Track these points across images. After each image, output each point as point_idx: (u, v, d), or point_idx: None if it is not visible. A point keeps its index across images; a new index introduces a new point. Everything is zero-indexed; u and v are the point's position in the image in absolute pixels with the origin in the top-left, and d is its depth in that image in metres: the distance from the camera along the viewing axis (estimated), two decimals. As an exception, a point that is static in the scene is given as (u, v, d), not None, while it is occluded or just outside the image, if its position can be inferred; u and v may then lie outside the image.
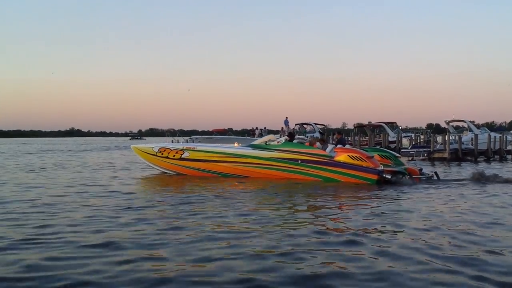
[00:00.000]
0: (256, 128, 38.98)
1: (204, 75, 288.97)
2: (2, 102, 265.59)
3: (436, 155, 25.29)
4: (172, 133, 61.97)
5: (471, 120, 37.54)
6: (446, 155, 24.88)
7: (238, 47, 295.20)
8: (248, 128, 39.44)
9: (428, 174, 13.70)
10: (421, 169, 14.13)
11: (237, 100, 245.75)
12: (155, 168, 15.63)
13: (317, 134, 36.83)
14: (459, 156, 25.29)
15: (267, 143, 13.86)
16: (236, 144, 14.95)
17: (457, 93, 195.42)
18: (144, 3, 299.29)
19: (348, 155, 12.62)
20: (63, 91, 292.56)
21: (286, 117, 39.58)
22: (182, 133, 64.95)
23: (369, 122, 42.12)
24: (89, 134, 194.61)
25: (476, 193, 10.65)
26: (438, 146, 26.39)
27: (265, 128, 38.53)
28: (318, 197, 9.89)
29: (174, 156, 14.80)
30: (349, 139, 36.76)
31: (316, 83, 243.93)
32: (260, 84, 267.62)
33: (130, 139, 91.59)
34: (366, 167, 12.41)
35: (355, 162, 12.50)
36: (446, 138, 25.91)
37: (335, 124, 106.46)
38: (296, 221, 7.04)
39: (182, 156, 14.64)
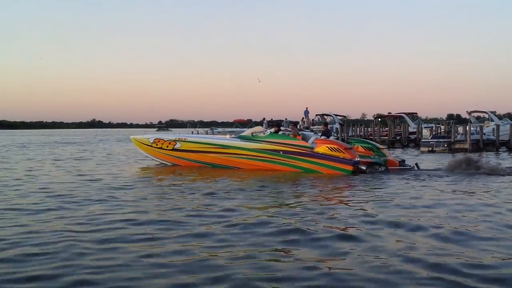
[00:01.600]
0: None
1: (224, 65, 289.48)
2: (25, 94, 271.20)
3: (457, 145, 25.08)
4: (192, 124, 62.59)
5: (493, 111, 37.04)
6: (467, 146, 24.69)
7: (259, 39, 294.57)
8: (268, 119, 39.52)
9: (410, 165, 14.03)
10: (403, 161, 14.52)
11: (258, 91, 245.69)
12: (153, 160, 15.77)
13: (337, 125, 36.93)
14: (480, 147, 25.16)
15: (253, 135, 14.15)
16: (228, 135, 15.17)
17: (478, 83, 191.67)
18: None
19: (327, 147, 12.99)
20: (84, 83, 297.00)
21: (306, 108, 39.74)
22: (202, 124, 65.56)
23: (389, 113, 41.91)
24: (110, 125, 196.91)
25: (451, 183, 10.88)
26: (459, 137, 26.19)
27: (286, 119, 38.74)
28: (298, 190, 9.94)
29: (167, 147, 15.05)
30: (369, 130, 36.73)
31: (336, 74, 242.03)
32: (280, 75, 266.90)
33: (157, 130, 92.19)
34: (343, 158, 12.76)
35: (333, 153, 12.86)
36: (467, 129, 25.75)
37: (355, 115, 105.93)
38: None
39: (175, 147, 14.92)
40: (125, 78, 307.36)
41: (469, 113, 35.97)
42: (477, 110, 37.78)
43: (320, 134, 15.25)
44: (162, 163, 15.49)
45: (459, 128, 28.47)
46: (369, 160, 13.31)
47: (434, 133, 31.01)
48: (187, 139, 15.05)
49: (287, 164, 13.31)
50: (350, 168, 12.55)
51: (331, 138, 14.52)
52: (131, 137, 17.13)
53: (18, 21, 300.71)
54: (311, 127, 37.51)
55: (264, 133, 14.09)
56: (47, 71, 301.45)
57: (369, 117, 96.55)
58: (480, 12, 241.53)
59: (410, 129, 34.65)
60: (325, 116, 42.22)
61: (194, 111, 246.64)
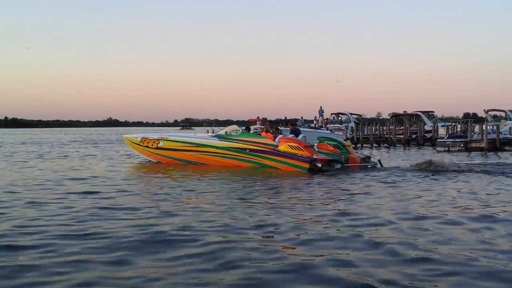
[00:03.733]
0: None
1: (238, 64, 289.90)
2: (42, 93, 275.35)
3: (473, 145, 24.94)
4: (208, 123, 62.91)
5: (511, 109, 36.68)
6: (483, 145, 24.53)
7: (274, 37, 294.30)
8: (282, 118, 39.34)
9: (373, 162, 14.40)
10: (368, 157, 14.86)
11: (272, 89, 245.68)
12: (141, 157, 16.68)
13: (352, 124, 36.89)
14: (497, 146, 25.01)
15: (227, 133, 14.83)
16: (208, 134, 16.11)
17: (495, 81, 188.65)
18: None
19: (288, 145, 13.50)
20: (100, 82, 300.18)
21: (321, 106, 39.66)
22: (218, 123, 65.83)
23: (404, 112, 41.74)
24: (126, 124, 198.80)
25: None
26: (475, 136, 26.01)
27: (301, 118, 38.80)
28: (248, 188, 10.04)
29: (152, 145, 15.86)
30: (385, 128, 36.63)
31: (350, 72, 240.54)
32: (294, 74, 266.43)
33: (181, 129, 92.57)
34: (300, 156, 13.17)
35: (293, 151, 13.35)
36: (484, 128, 25.59)
37: (370, 114, 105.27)
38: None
39: (158, 145, 15.71)
40: (141, 77, 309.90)
41: (486, 111, 35.75)
42: (495, 108, 37.46)
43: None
44: (150, 160, 16.21)
45: (475, 127, 28.27)
46: (326, 157, 13.59)
47: (450, 132, 30.78)
48: (168, 138, 15.77)
49: (252, 162, 13.97)
50: (306, 165, 12.94)
51: (300, 136, 14.87)
52: (123, 136, 17.70)
53: (35, 21, 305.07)
54: (326, 125, 37.56)
55: (236, 132, 14.77)
56: (64, 69, 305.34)
57: (385, 115, 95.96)
58: (498, 8, 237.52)
59: (427, 128, 34.46)
60: (340, 115, 42.23)
61: (209, 109, 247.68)
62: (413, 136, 33.31)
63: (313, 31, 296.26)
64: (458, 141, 25.39)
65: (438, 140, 28.16)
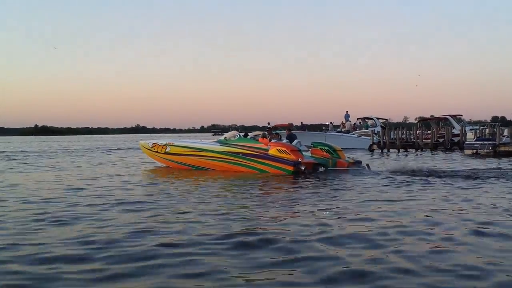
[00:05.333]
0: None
1: (266, 69, 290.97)
2: (71, 101, 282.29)
3: (502, 148, 24.79)
4: (234, 128, 64.07)
5: (541, 112, 36.08)
6: (512, 148, 24.38)
7: (304, 43, 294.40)
8: (309, 124, 39.71)
9: (362, 167, 15.18)
10: (358, 162, 15.67)
11: (299, 94, 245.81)
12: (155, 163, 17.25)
13: (378, 128, 36.95)
14: (526, 149, 24.74)
15: (226, 139, 15.52)
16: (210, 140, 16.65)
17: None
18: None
19: (277, 149, 14.11)
20: (127, 90, 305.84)
21: (347, 111, 39.73)
22: (244, 128, 66.95)
23: (431, 116, 41.49)
24: (153, 130, 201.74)
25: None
26: (504, 139, 25.81)
27: (331, 123, 39.04)
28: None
29: (161, 150, 16.51)
30: (411, 133, 36.51)
31: (377, 77, 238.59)
32: (321, 79, 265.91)
33: (213, 135, 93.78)
34: (286, 159, 13.81)
35: (280, 154, 13.96)
36: (513, 131, 25.35)
37: (396, 118, 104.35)
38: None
39: (166, 150, 16.38)
40: (168, 83, 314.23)
41: (515, 114, 35.18)
42: (523, 111, 36.83)
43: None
44: (162, 165, 16.86)
45: (504, 131, 28.04)
46: (311, 161, 14.32)
47: (478, 136, 30.50)
48: (174, 144, 16.41)
49: (245, 165, 14.53)
50: (290, 168, 13.62)
51: (296, 141, 15.49)
52: (139, 142, 18.36)
53: (63, 27, 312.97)
54: (353, 130, 37.72)
55: (235, 137, 15.43)
56: (93, 77, 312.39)
57: (411, 120, 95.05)
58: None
59: (455, 131, 34.26)
60: (366, 120, 42.29)
61: (236, 115, 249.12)
62: (440, 140, 33.20)
63: (343, 35, 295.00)
64: (486, 144, 25.24)
65: (466, 142, 27.95)
